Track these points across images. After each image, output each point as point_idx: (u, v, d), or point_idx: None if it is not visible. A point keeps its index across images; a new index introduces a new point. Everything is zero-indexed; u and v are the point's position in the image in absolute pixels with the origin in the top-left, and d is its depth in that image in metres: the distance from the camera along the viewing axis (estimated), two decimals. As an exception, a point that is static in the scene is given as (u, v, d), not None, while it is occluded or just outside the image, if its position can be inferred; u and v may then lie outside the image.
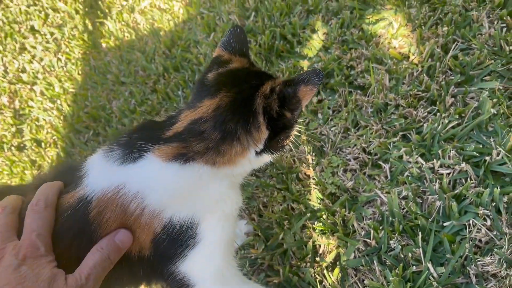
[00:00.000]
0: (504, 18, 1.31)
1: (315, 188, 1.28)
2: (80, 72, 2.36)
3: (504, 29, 1.30)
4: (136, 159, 0.75)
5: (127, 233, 0.73)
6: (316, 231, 1.21)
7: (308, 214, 1.22)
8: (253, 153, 0.83)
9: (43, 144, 2.11)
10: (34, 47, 2.57)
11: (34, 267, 0.63)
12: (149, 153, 0.75)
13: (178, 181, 0.77)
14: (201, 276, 0.80)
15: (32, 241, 0.66)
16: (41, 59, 2.51)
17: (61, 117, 2.17)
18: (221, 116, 0.77)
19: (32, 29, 2.67)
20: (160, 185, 0.76)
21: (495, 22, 1.32)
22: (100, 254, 0.69)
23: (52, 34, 2.59)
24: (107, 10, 2.57)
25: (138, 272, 0.81)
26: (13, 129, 2.27)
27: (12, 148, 2.19)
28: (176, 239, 0.76)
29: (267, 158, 0.87)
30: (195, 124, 0.77)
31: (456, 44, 1.34)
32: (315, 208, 1.25)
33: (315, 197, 1.27)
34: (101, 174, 0.77)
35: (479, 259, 0.98)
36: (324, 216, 1.21)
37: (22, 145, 2.20)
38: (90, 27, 2.56)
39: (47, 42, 2.57)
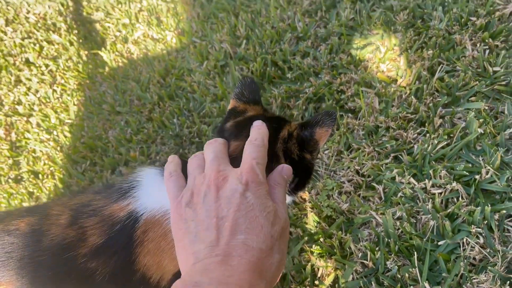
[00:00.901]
0: (486, 40, 1.36)
1: (311, 212, 1.30)
2: (75, 103, 2.39)
3: (487, 51, 1.35)
4: None
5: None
6: (314, 254, 1.22)
7: (306, 238, 1.24)
8: None
9: (40, 176, 2.11)
10: (30, 79, 2.60)
11: (258, 195, 0.58)
12: None
13: None
14: None
15: (252, 166, 0.61)
16: (37, 91, 2.53)
17: (58, 148, 2.19)
18: None
19: (27, 62, 2.70)
20: None
21: (478, 45, 1.37)
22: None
23: (47, 66, 2.62)
24: (101, 41, 2.62)
25: None
26: (10, 161, 2.27)
27: (9, 180, 2.19)
28: None
29: (289, 198, 0.88)
30: None
31: (442, 67, 1.38)
32: (312, 231, 1.26)
33: (311, 221, 1.28)
34: (155, 192, 0.79)
35: (474, 277, 1.00)
36: (321, 239, 1.22)
37: (19, 177, 2.21)
38: (84, 58, 2.60)
39: (42, 74, 2.60)
